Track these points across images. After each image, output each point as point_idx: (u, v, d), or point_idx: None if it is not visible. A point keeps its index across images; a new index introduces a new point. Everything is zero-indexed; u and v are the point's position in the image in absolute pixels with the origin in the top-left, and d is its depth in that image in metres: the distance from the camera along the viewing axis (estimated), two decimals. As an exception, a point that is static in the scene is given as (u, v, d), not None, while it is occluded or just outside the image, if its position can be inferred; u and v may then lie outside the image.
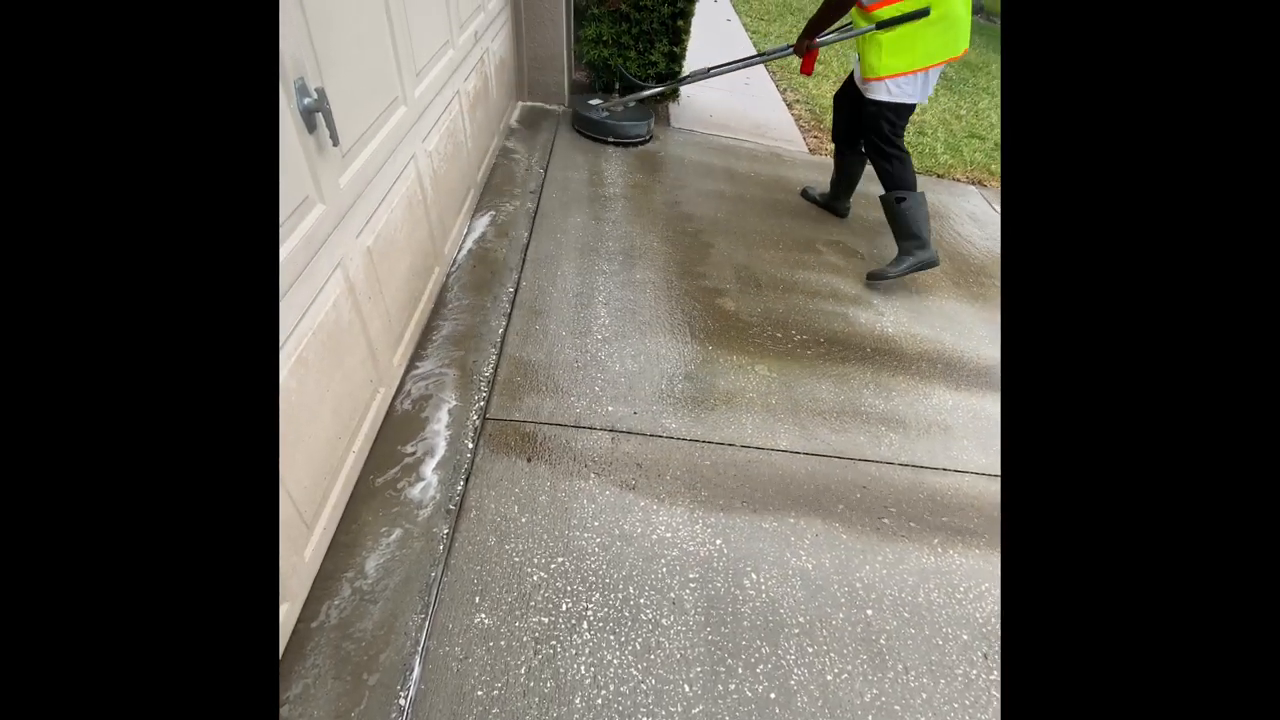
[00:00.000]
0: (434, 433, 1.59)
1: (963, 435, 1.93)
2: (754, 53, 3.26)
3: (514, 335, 1.94)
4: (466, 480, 1.50)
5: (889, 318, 2.37)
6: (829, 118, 3.99)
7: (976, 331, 2.40)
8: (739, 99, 4.06)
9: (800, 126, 3.84)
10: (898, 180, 2.39)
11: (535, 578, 1.34)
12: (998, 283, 2.72)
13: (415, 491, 1.45)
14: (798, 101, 4.17)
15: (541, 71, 3.36)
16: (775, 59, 2.80)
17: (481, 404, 1.70)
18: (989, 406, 2.06)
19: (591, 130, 3.16)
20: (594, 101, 3.22)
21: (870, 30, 2.20)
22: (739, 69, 2.86)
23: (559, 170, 2.87)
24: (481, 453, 1.57)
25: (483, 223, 2.41)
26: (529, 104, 3.44)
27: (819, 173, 3.33)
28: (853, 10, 2.25)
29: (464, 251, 2.24)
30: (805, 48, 2.41)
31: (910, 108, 2.35)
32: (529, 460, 1.58)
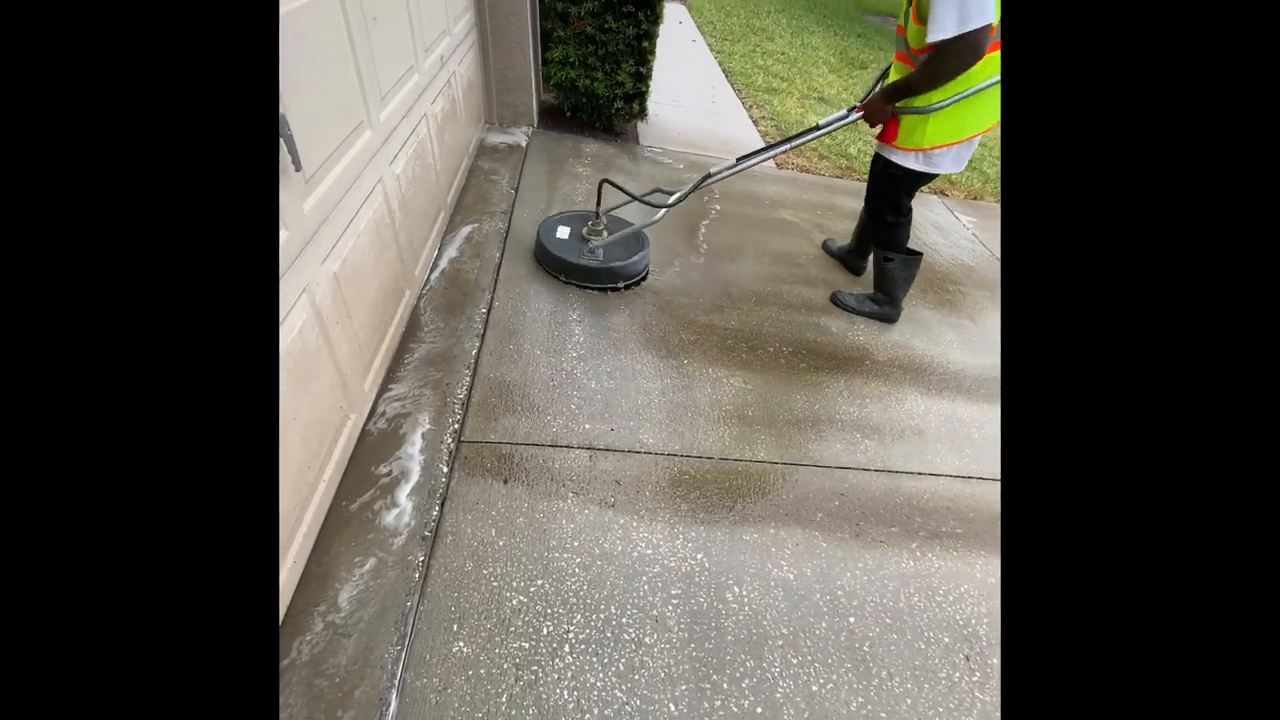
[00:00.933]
0: (408, 457, 1.56)
1: (936, 439, 1.96)
2: (807, 130, 2.10)
3: (488, 356, 1.93)
4: (442, 505, 1.47)
5: (860, 326, 2.41)
6: (794, 132, 4.09)
7: (944, 337, 2.45)
8: (706, 117, 4.13)
9: (767, 142, 3.92)
10: (888, 242, 2.28)
11: (515, 602, 1.31)
12: (963, 288, 2.79)
13: (389, 518, 1.42)
14: (764, 118, 4.26)
15: (510, 93, 3.39)
16: (841, 127, 2.08)
17: (456, 426, 1.68)
18: (960, 410, 2.10)
19: (577, 277, 2.26)
20: (561, 232, 2.37)
21: (948, 104, 1.86)
22: (789, 149, 2.19)
23: (530, 190, 2.88)
24: (457, 476, 1.55)
25: (454, 244, 2.40)
26: (499, 124, 3.46)
27: (787, 187, 3.40)
28: (900, 69, 1.94)
29: (436, 273, 2.23)
30: (889, 113, 1.95)
31: (922, 177, 2.07)
32: (505, 482, 1.56)
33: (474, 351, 1.93)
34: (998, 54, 1.77)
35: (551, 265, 2.29)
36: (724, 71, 5.00)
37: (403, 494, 1.48)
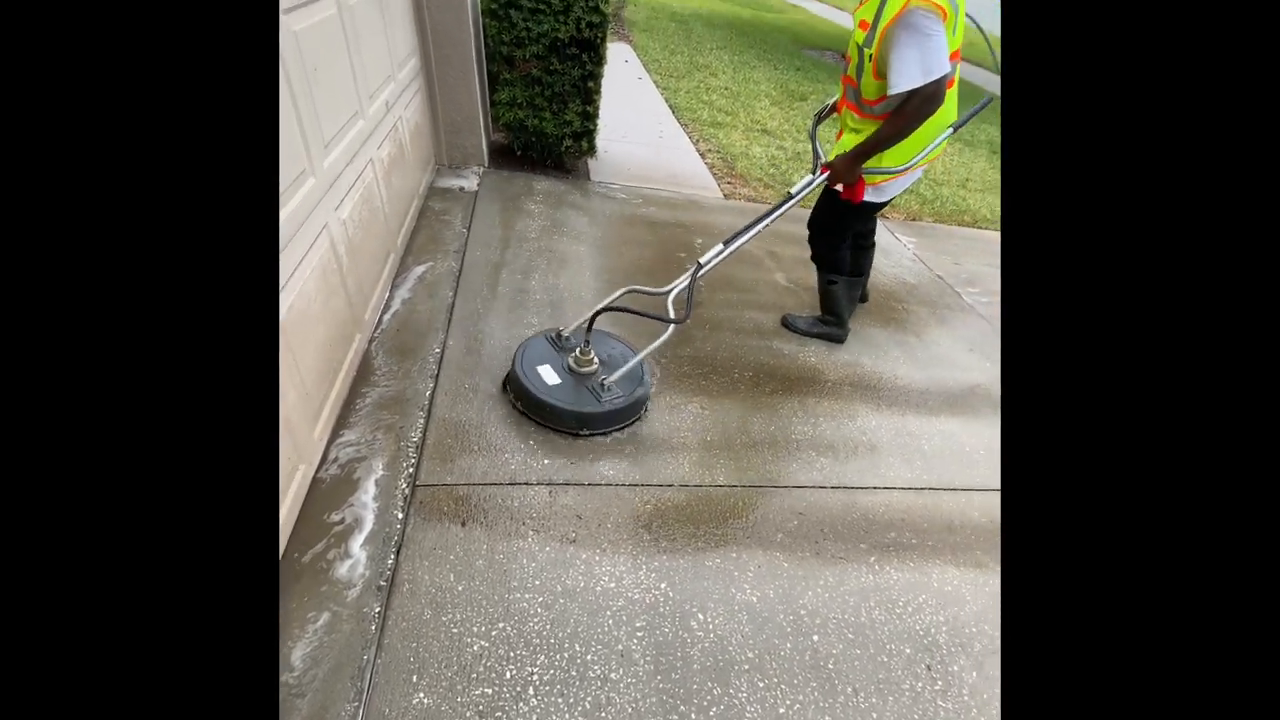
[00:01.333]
0: (361, 504, 1.53)
1: (888, 453, 2.02)
2: (778, 203, 2.10)
3: (443, 396, 1.91)
4: (398, 552, 1.44)
5: (811, 347, 2.48)
6: (741, 164, 4.24)
7: (891, 353, 2.54)
8: (655, 151, 4.25)
9: (714, 174, 4.05)
10: (833, 264, 2.36)
11: (476, 647, 1.29)
12: (907, 306, 2.91)
13: (343, 570, 1.38)
14: (710, 151, 4.41)
15: (459, 134, 3.43)
16: (811, 191, 2.06)
17: (411, 470, 1.65)
18: (910, 423, 2.17)
19: (602, 425, 1.87)
20: (550, 378, 1.91)
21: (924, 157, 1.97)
22: (769, 222, 2.12)
23: (482, 227, 2.90)
24: (413, 522, 1.52)
25: (406, 285, 2.39)
26: (449, 165, 3.49)
27: (736, 217, 3.51)
28: (852, 119, 2.01)
29: (388, 315, 2.21)
30: (856, 176, 1.99)
31: (873, 207, 2.15)
32: (464, 524, 1.54)
33: (428, 393, 1.92)
34: (950, 102, 1.91)
35: (567, 422, 1.83)
36: (670, 107, 5.16)
37: (356, 543, 1.44)
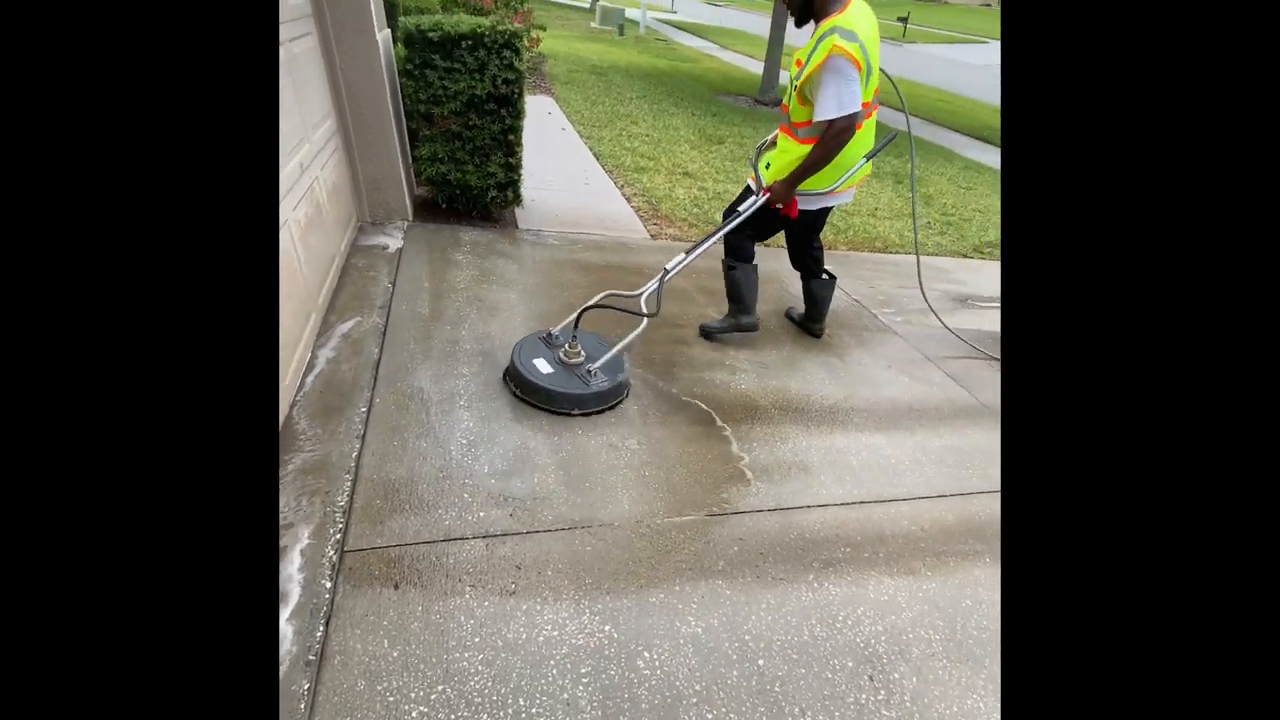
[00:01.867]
0: (286, 578, 1.45)
1: (819, 471, 2.09)
2: (727, 222, 2.50)
3: (370, 456, 1.86)
4: (327, 623, 1.38)
5: (741, 375, 2.56)
6: (665, 205, 4.40)
7: (817, 375, 2.66)
8: (582, 197, 4.36)
9: (640, 217, 4.18)
10: (735, 251, 2.68)
11: (415, 714, 1.23)
12: (829, 330, 3.06)
13: (266, 650, 1.30)
14: (635, 195, 4.56)
15: (380, 191, 3.42)
16: (757, 209, 2.42)
17: (338, 537, 1.59)
18: (838, 441, 2.26)
19: (594, 405, 2.17)
20: (544, 367, 2.20)
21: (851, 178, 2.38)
22: (725, 232, 2.53)
23: (408, 281, 2.88)
24: (342, 590, 1.46)
25: (329, 344, 2.34)
26: (372, 222, 3.46)
27: (663, 255, 3.62)
28: (783, 140, 2.41)
29: (310, 377, 2.15)
30: (790, 196, 2.36)
31: (784, 215, 2.49)
32: (396, 587, 1.49)
33: (354, 454, 1.86)
34: (867, 132, 2.35)
35: (561, 403, 2.13)
36: (595, 155, 5.33)
37: (281, 618, 1.37)
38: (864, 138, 2.34)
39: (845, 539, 1.84)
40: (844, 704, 1.39)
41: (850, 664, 1.48)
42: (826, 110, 2.13)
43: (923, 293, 3.13)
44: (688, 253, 2.42)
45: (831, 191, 2.41)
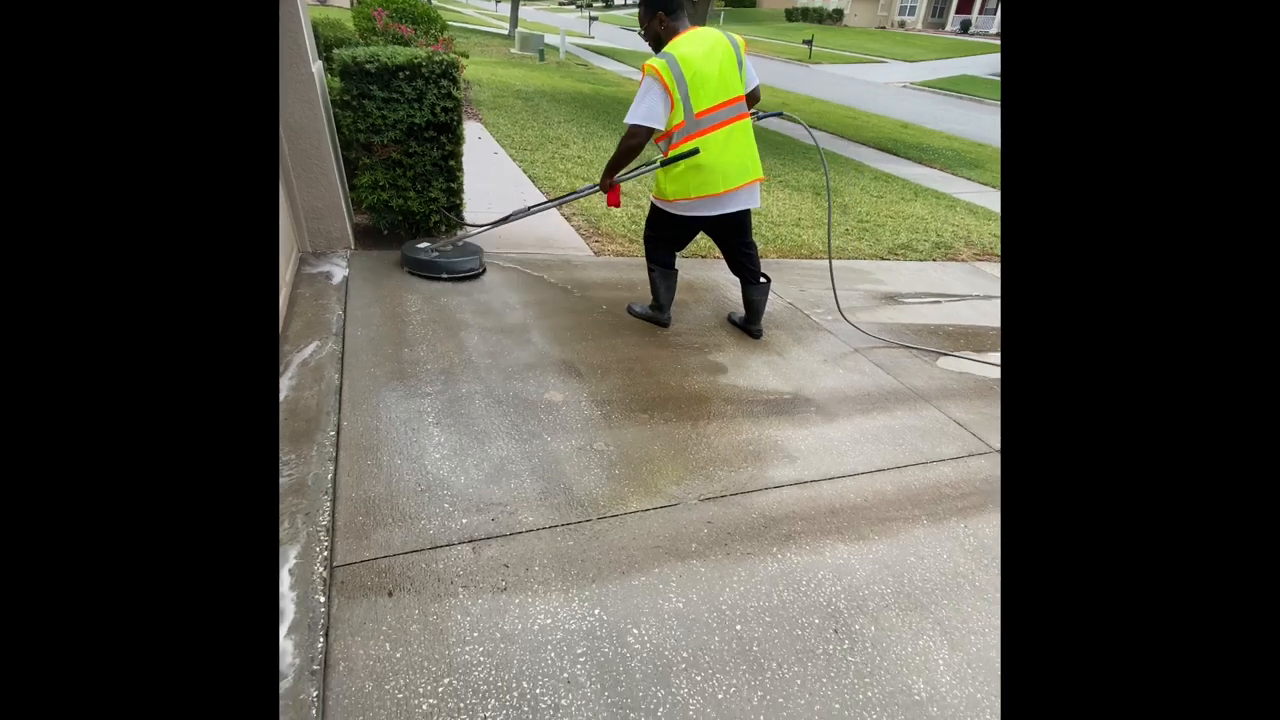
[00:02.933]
0: (280, 597, 1.48)
1: (771, 457, 2.28)
2: (564, 194, 3.56)
3: (346, 477, 1.89)
4: (327, 635, 1.42)
5: (693, 376, 2.74)
6: (605, 223, 4.57)
7: (761, 372, 2.87)
8: (522, 219, 4.45)
9: (581, 235, 4.33)
10: (650, 257, 3.08)
11: (425, 706, 1.30)
12: (769, 331, 3.30)
13: (268, 666, 1.33)
14: (575, 214, 4.71)
15: (321, 220, 3.41)
16: (585, 196, 3.13)
17: (326, 554, 1.62)
18: (785, 430, 2.47)
19: (425, 270, 3.33)
20: (422, 245, 3.43)
21: (656, 167, 2.79)
22: (553, 206, 3.45)
23: (359, 308, 2.90)
24: (337, 602, 1.50)
25: (288, 373, 2.33)
26: (314, 252, 3.44)
27: (608, 271, 3.78)
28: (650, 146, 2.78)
29: (272, 407, 2.14)
30: (607, 185, 2.82)
31: (678, 220, 2.85)
32: (391, 594, 1.54)
33: (330, 476, 1.89)
34: (723, 139, 2.63)
35: (409, 264, 3.34)
36: (530, 177, 5.45)
37: (280, 635, 1.40)
38: (718, 144, 2.62)
39: (801, 514, 2.02)
40: (815, 655, 1.56)
41: (817, 621, 1.65)
42: (629, 115, 2.62)
43: (835, 296, 3.46)
44: (550, 200, 3.44)
45: (699, 198, 2.69)
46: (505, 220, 3.35)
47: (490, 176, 5.26)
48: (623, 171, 2.79)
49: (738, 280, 3.15)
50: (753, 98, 2.75)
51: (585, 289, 3.47)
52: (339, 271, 3.25)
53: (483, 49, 14.76)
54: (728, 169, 2.67)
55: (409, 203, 3.51)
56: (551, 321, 3.04)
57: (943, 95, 18.54)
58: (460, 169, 3.61)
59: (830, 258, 3.43)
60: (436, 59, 3.25)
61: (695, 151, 2.62)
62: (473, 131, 6.68)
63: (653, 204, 2.93)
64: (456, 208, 3.68)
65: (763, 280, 3.08)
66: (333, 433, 2.07)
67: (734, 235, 2.99)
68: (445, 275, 3.31)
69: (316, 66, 3.23)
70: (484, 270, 3.47)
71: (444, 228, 3.75)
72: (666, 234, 2.97)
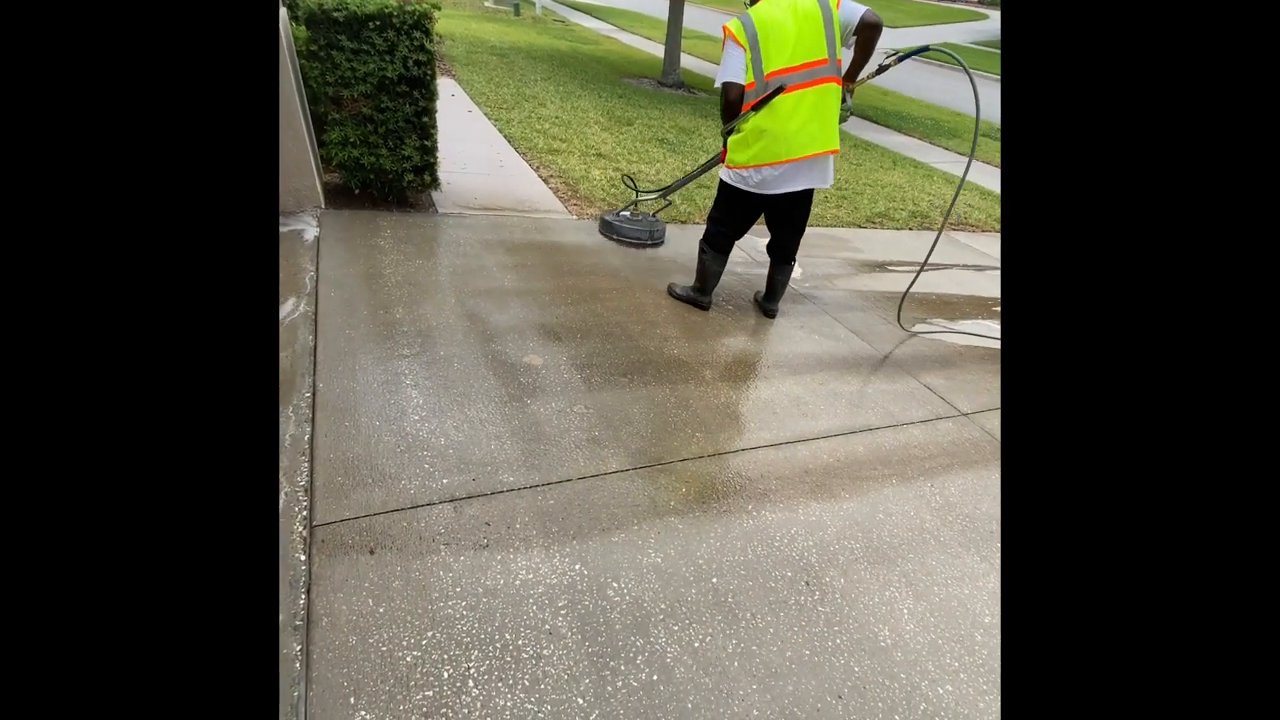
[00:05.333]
0: (257, 556, 1.48)
1: (748, 419, 2.33)
2: (691, 170, 3.93)
3: (323, 438, 1.88)
4: (308, 592, 1.43)
5: (673, 342, 2.75)
6: (583, 186, 4.49)
7: (740, 338, 2.90)
8: (498, 180, 4.36)
9: (559, 198, 4.26)
10: (707, 238, 2.96)
11: (409, 659, 1.33)
12: (748, 300, 3.32)
13: (250, 622, 1.34)
14: (552, 176, 4.62)
15: (289, 179, 3.29)
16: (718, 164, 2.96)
17: (305, 514, 1.62)
18: (762, 392, 2.51)
19: (626, 237, 3.70)
20: (624, 213, 3.79)
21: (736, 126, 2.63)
22: (699, 175, 3.53)
23: (331, 268, 2.83)
24: (318, 560, 1.51)
25: (259, 335, 2.28)
26: (283, 212, 3.32)
27: (584, 235, 3.74)
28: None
29: (244, 368, 2.10)
30: (724, 143, 2.73)
31: (746, 196, 2.72)
32: (372, 552, 1.55)
33: (306, 437, 1.87)
34: (799, 103, 2.49)
35: (607, 229, 3.74)
36: (505, 137, 5.31)
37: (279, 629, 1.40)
38: (787, 108, 2.48)
39: (775, 474, 2.08)
40: (787, 605, 1.62)
41: (789, 574, 1.72)
42: (716, 78, 2.57)
43: (910, 286, 3.34)
44: (694, 172, 3.53)
45: (761, 165, 2.59)
46: (671, 189, 3.68)
47: (464, 136, 5.11)
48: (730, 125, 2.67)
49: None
50: (864, 35, 2.44)
51: (568, 254, 3.44)
52: (310, 231, 3.16)
53: (454, 2, 14.14)
54: (793, 136, 2.53)
55: (381, 160, 3.41)
56: (530, 284, 3.02)
57: (923, 63, 18.39)
58: (434, 126, 3.50)
59: (942, 228, 3.27)
60: (408, 9, 3.11)
61: (760, 105, 2.51)
62: (445, 88, 6.45)
63: (720, 183, 2.81)
64: (430, 166, 3.58)
65: (792, 262, 3.05)
66: (309, 394, 2.05)
67: (788, 217, 2.86)
68: (650, 243, 3.66)
69: (281, 13, 3.07)
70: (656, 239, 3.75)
71: (418, 190, 3.64)
72: (732, 218, 2.85)
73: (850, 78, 2.70)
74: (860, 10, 2.43)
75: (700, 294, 3.05)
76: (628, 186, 4.14)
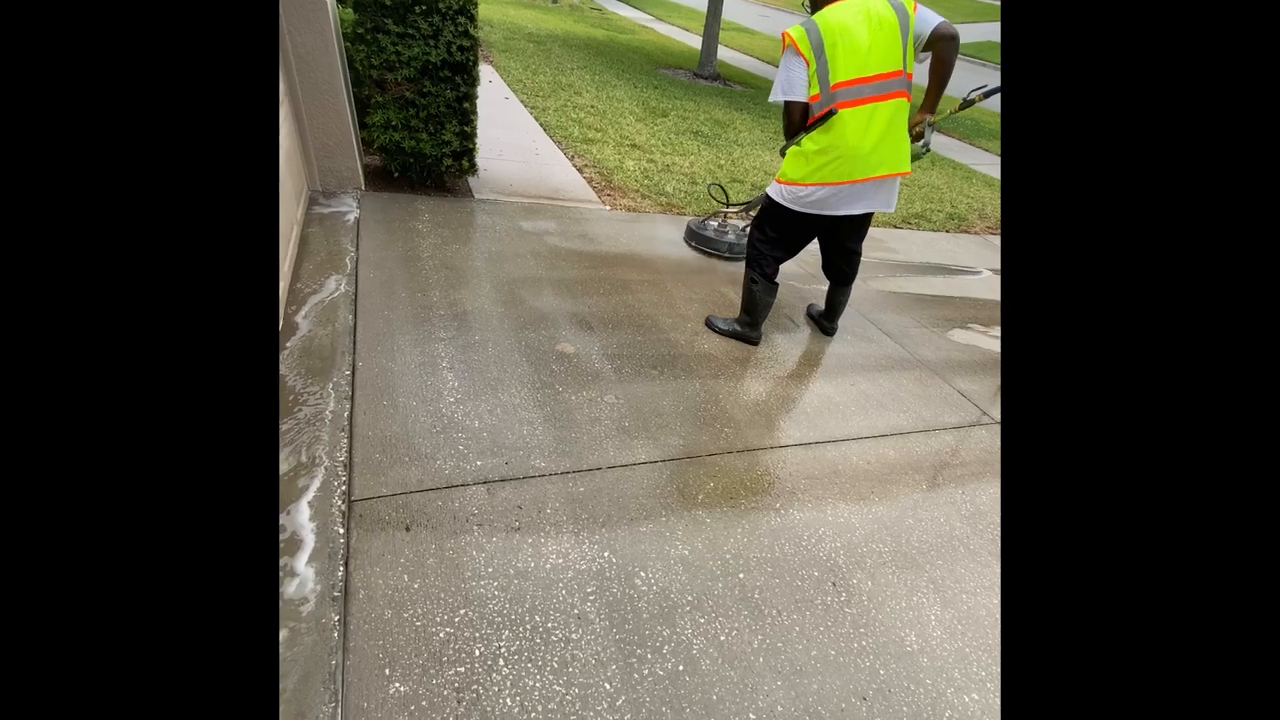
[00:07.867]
0: (298, 525, 1.53)
1: (778, 417, 2.32)
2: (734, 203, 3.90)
3: (362, 415, 1.92)
4: (346, 564, 1.47)
5: (703, 337, 2.75)
6: (617, 176, 4.49)
7: (772, 337, 2.88)
8: (533, 167, 4.39)
9: (594, 187, 4.26)
10: (754, 264, 2.63)
11: (442, 635, 1.36)
12: (782, 300, 3.29)
13: (291, 589, 1.39)
14: (586, 166, 4.63)
15: (332, 159, 3.35)
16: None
17: (344, 488, 1.67)
18: (792, 391, 2.50)
19: (710, 248, 3.64)
20: (712, 223, 3.73)
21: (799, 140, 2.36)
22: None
23: (371, 250, 2.88)
24: (356, 534, 1.55)
25: (302, 312, 2.34)
26: (324, 191, 3.39)
27: (617, 225, 3.74)
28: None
29: (293, 339, 2.16)
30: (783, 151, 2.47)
31: (799, 218, 2.45)
32: (408, 529, 1.59)
33: (346, 414, 1.92)
34: (867, 131, 2.23)
35: (695, 239, 3.68)
36: (541, 125, 5.33)
37: (300, 562, 1.45)
38: (857, 124, 2.23)
39: (804, 473, 2.07)
40: (813, 605, 1.62)
41: (816, 573, 1.71)
42: (771, 96, 2.35)
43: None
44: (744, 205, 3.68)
45: (822, 184, 2.32)
46: (753, 204, 3.45)
47: (501, 123, 5.14)
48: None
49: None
50: (940, 49, 2.23)
51: (602, 243, 3.45)
52: (350, 212, 3.22)
53: (493, -13, 14.16)
54: (860, 156, 2.26)
55: (421, 145, 3.44)
56: (563, 274, 3.03)
57: (966, 61, 17.94)
58: (475, 112, 3.53)
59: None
60: (454, -6, 3.13)
61: (820, 121, 2.26)
62: (483, 75, 6.48)
63: (768, 199, 2.52)
64: (469, 153, 3.61)
65: (852, 282, 2.85)
66: (348, 372, 2.09)
67: (847, 238, 2.63)
68: (727, 255, 3.58)
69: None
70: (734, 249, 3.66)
71: (455, 175, 3.68)
72: (781, 237, 2.57)
73: (929, 107, 2.40)
74: (935, 20, 2.19)
75: (750, 328, 2.73)
76: (714, 198, 4.16)
